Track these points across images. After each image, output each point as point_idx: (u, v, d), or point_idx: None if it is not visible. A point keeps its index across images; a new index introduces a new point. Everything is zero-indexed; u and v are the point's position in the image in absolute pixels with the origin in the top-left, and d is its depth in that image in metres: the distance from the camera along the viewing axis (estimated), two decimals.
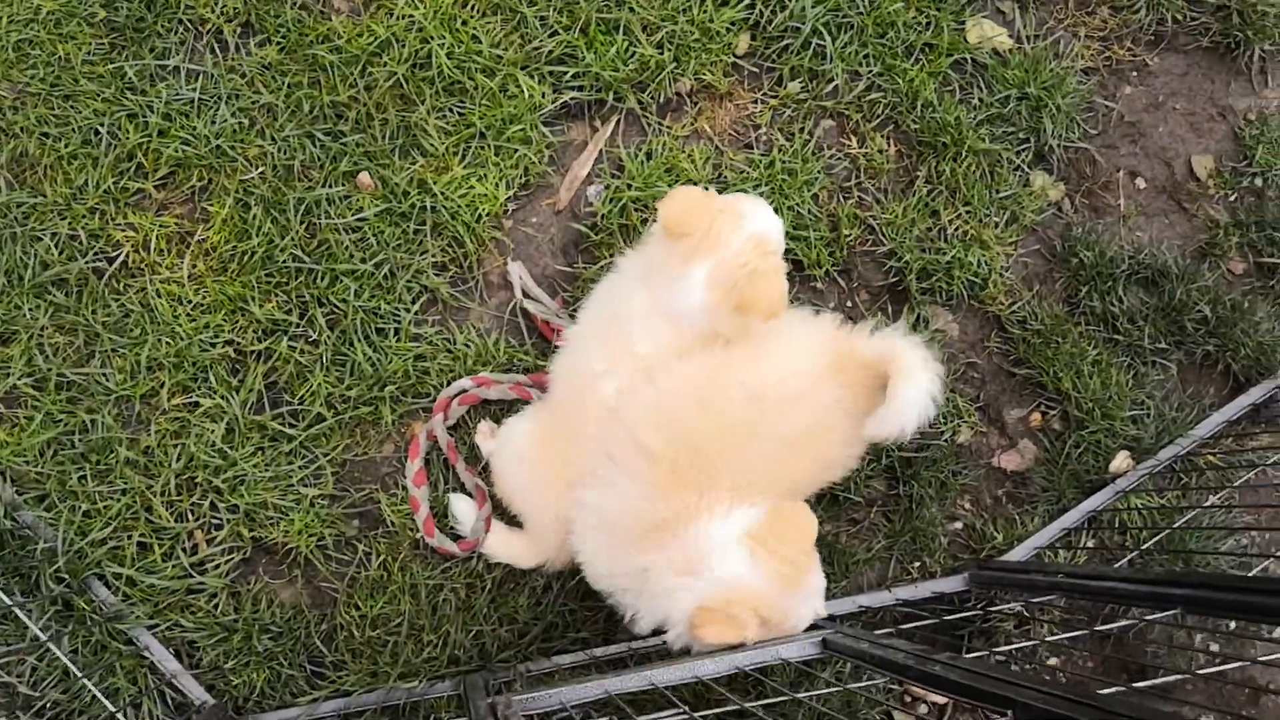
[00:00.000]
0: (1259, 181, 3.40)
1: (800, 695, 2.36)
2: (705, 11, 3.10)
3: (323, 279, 2.89)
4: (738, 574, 2.21)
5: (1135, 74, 3.40)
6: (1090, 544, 3.08)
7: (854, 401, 2.41)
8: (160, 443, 2.82)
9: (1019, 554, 3.04)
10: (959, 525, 3.11)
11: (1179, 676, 2.77)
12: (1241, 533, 3.07)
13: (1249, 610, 2.04)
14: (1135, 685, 2.64)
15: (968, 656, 2.15)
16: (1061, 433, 3.16)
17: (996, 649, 2.91)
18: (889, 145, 3.19)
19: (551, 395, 2.71)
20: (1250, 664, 2.93)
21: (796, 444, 2.37)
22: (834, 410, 2.39)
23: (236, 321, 2.87)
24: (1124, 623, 2.44)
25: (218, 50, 2.97)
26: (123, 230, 2.87)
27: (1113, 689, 2.37)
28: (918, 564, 3.08)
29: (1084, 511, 3.08)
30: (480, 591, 2.87)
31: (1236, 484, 3.00)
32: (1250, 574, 2.99)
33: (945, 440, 3.10)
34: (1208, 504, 2.96)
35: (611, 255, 2.97)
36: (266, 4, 2.98)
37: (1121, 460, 3.13)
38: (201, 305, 2.87)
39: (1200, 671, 2.96)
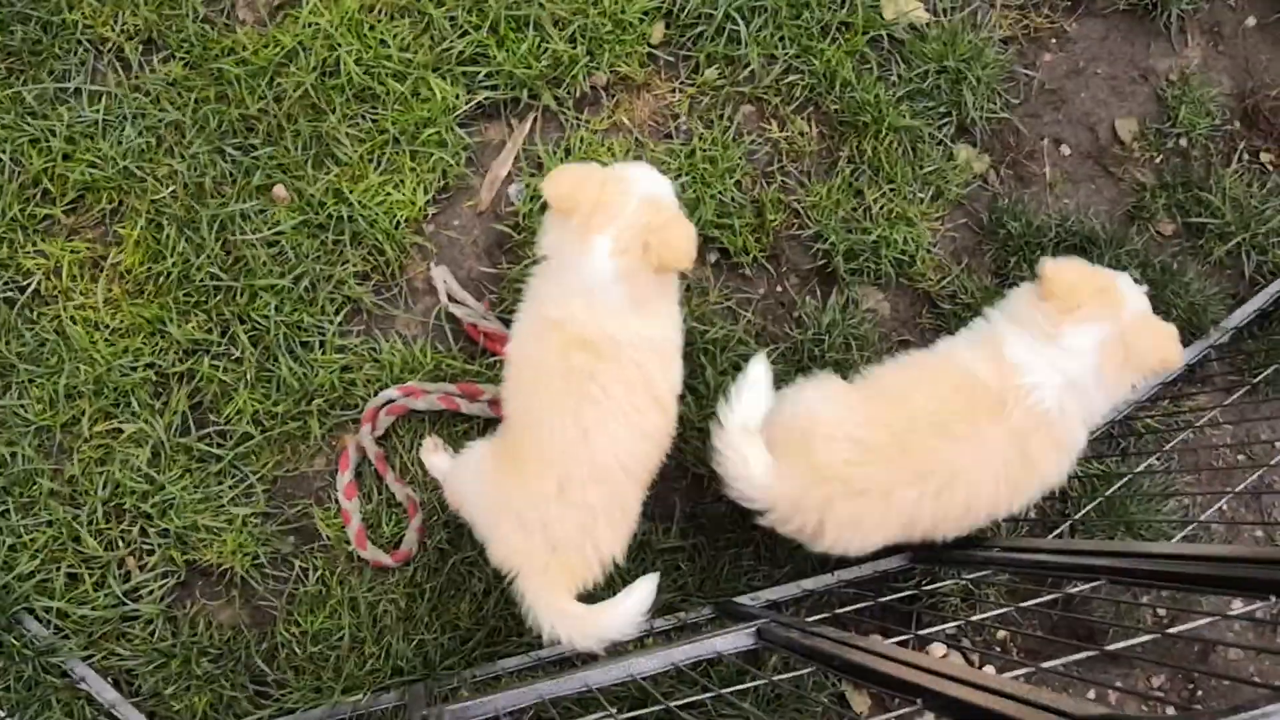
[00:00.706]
0: (1183, 142, 3.44)
1: (732, 690, 2.37)
2: (617, 3, 3.11)
3: (242, 295, 2.88)
4: None
5: (1054, 41, 3.43)
6: (1032, 514, 3.11)
7: None
8: (85, 471, 2.81)
9: None
10: None
11: (1135, 641, 2.80)
12: (1181, 495, 3.11)
13: (1168, 579, 2.07)
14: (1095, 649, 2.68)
15: (888, 642, 2.17)
16: None
17: (946, 624, 2.95)
18: (810, 127, 3.20)
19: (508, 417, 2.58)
20: (1202, 619, 2.97)
21: None
22: None
23: (156, 344, 2.87)
24: (1052, 595, 2.47)
25: (120, 69, 2.95)
26: (33, 258, 2.86)
27: (1062, 660, 2.40)
28: None
29: None
30: (421, 600, 2.88)
31: (1170, 445, 3.04)
32: (1180, 539, 3.02)
33: None
34: (1140, 469, 2.99)
35: (535, 254, 2.97)
36: (168, 19, 2.96)
37: None
38: (119, 329, 2.86)
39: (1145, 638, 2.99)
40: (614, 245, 2.32)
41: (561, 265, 2.41)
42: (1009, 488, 2.42)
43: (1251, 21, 3.57)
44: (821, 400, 2.53)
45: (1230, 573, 1.88)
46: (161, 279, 2.87)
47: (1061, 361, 2.39)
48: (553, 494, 2.34)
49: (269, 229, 2.91)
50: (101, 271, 2.89)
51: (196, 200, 2.91)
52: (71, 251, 2.87)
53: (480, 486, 2.53)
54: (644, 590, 2.35)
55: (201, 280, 2.88)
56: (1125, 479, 2.96)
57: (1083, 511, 2.91)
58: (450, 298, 2.99)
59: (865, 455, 2.39)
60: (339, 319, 2.94)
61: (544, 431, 2.37)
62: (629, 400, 2.37)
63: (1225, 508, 3.28)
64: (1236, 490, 2.80)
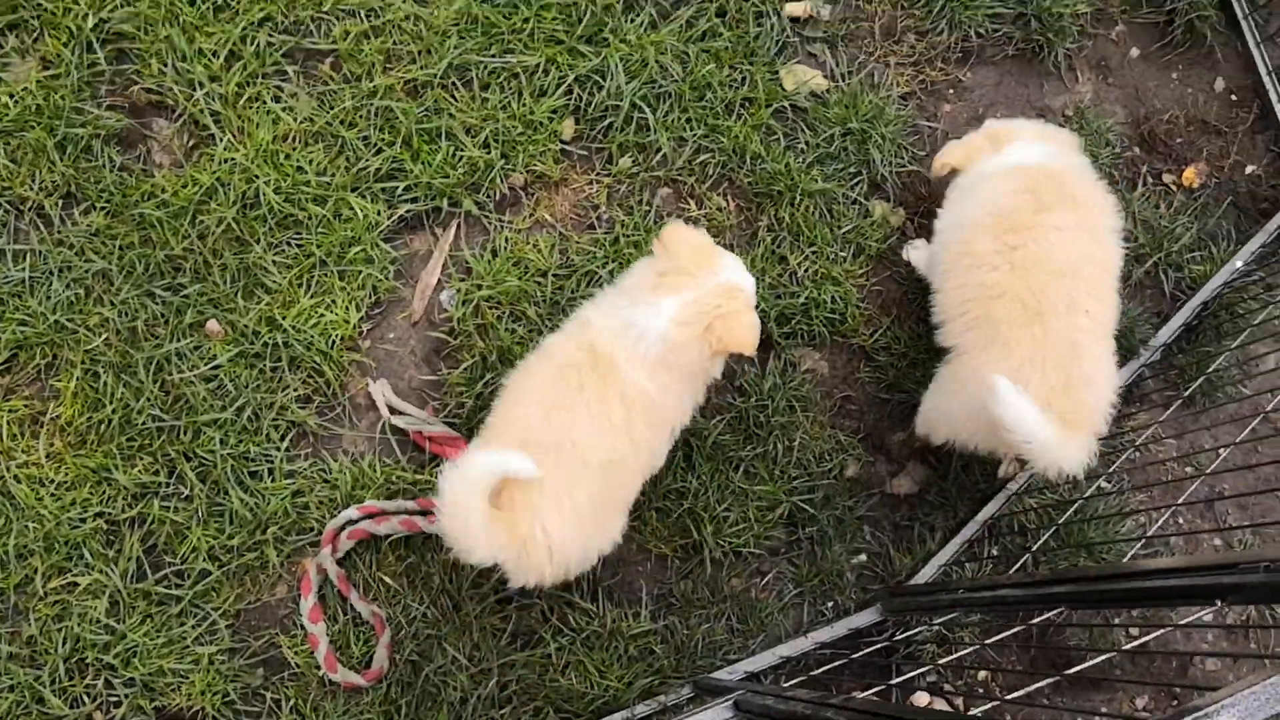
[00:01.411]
0: None
1: None
2: (524, 105, 3.23)
3: (186, 433, 2.92)
4: None
5: (951, 91, 3.60)
6: (994, 552, 3.18)
7: None
8: (43, 630, 2.81)
9: (927, 574, 3.15)
10: (864, 558, 3.20)
11: (1103, 657, 2.86)
12: (1136, 513, 3.19)
13: (1124, 599, 2.15)
14: (1065, 673, 2.73)
15: (861, 696, 2.21)
16: (945, 447, 3.27)
17: (920, 668, 2.99)
18: (727, 202, 3.33)
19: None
20: (1168, 629, 3.03)
21: None
22: None
23: (104, 492, 2.89)
24: (1014, 629, 2.53)
25: (42, 226, 3.02)
26: None
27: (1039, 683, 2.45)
28: (831, 604, 3.17)
29: (981, 522, 3.20)
30: (398, 717, 2.88)
31: (1115, 466, 3.13)
32: (1133, 556, 3.10)
33: (834, 477, 3.20)
34: (1089, 493, 3.08)
35: (473, 356, 3.05)
36: (85, 172, 3.04)
37: (1009, 465, 3.26)
38: (64, 483, 2.88)
39: (1124, 649, 3.05)
40: (679, 313, 2.56)
41: (631, 297, 2.62)
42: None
43: (1135, 53, 3.77)
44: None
45: (1176, 583, 1.95)
46: (103, 427, 2.91)
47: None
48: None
49: (206, 365, 2.97)
50: (41, 427, 2.92)
51: (130, 345, 2.96)
52: (9, 411, 2.91)
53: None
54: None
55: (143, 423, 2.92)
56: (1075, 504, 3.04)
57: (1039, 542, 2.99)
58: (392, 409, 3.05)
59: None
60: (285, 445, 2.98)
61: (519, 405, 2.58)
62: (604, 418, 2.54)
63: (1183, 522, 3.38)
64: (1183, 502, 2.89)
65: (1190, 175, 3.67)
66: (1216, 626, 3.16)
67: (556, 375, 2.57)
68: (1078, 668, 2.07)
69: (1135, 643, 2.38)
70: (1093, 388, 2.66)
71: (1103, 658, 2.53)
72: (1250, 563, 1.84)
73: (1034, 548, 2.98)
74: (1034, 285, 2.66)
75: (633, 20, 3.36)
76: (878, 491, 3.26)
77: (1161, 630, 3.03)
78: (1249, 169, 3.72)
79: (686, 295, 2.59)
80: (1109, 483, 3.25)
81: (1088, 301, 2.69)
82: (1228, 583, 1.84)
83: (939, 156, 3.11)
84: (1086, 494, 3.08)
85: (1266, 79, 3.77)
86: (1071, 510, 3.04)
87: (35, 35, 3.10)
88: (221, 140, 3.11)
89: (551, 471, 2.47)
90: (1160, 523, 3.08)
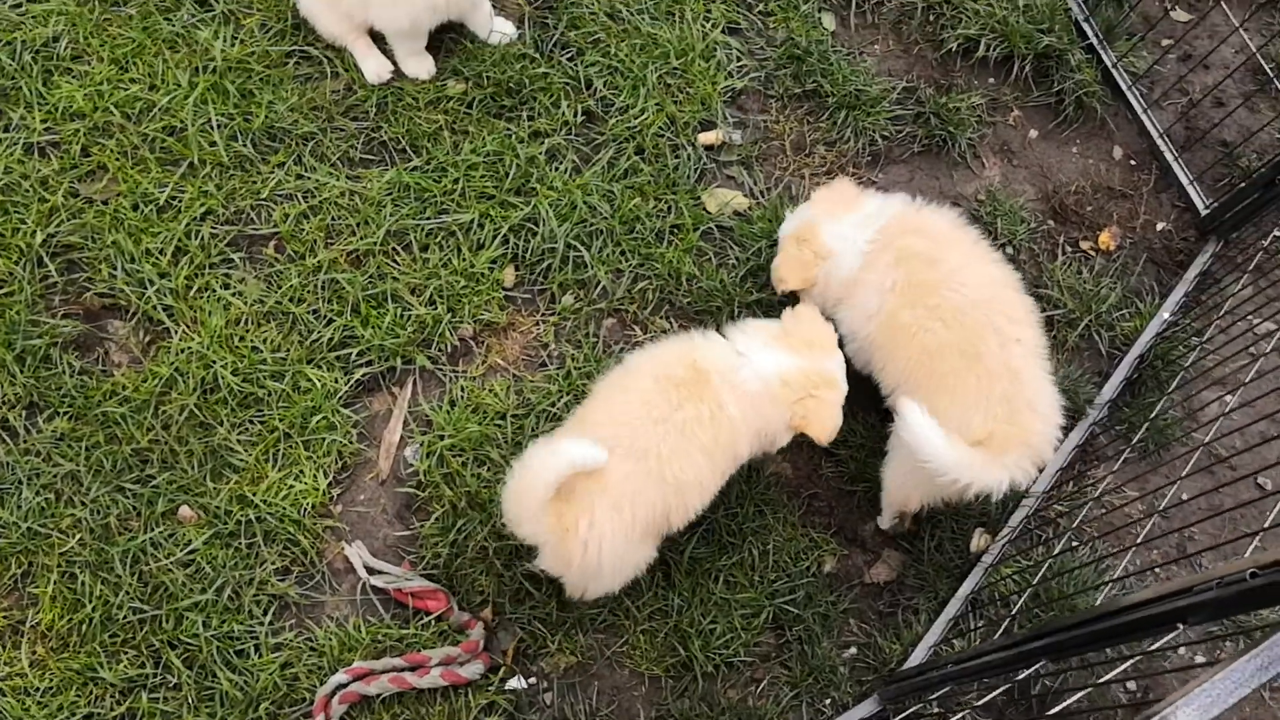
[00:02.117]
0: (1009, 249, 3.81)
1: None
2: (464, 259, 3.41)
3: (168, 621, 2.98)
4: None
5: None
6: (980, 624, 3.25)
7: None
8: None
9: (918, 656, 3.20)
10: (853, 650, 3.26)
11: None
12: (1101, 560, 3.27)
13: (1094, 640, 2.22)
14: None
15: None
16: (916, 530, 3.37)
17: None
18: (670, 324, 3.49)
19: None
20: (1161, 673, 3.09)
21: None
22: None
23: (90, 692, 2.92)
24: (1000, 689, 2.60)
25: (7, 438, 3.12)
26: None
27: None
28: (829, 700, 3.21)
29: (962, 598, 3.27)
30: None
31: (1077, 521, 3.24)
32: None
33: (813, 574, 3.28)
34: (1058, 551, 3.17)
35: (443, 506, 3.14)
36: (45, 380, 3.16)
37: (979, 539, 3.36)
38: (50, 689, 2.91)
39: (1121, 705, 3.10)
40: (788, 372, 2.83)
41: (752, 336, 2.92)
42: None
43: (1034, 134, 4.03)
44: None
45: (1139, 615, 2.04)
46: (84, 626, 2.96)
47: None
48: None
49: (182, 550, 3.04)
50: (22, 637, 2.96)
51: (105, 542, 3.03)
52: None
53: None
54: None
55: (124, 617, 2.97)
56: (1045, 563, 3.13)
57: (1018, 605, 3.06)
58: (370, 570, 3.12)
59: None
60: (269, 619, 3.03)
61: (615, 405, 2.78)
62: (693, 438, 2.74)
63: (1156, 555, 3.46)
64: (1143, 542, 2.98)
65: (1105, 239, 3.89)
66: (1190, 644, 3.23)
67: (656, 387, 2.75)
68: (1051, 711, 2.15)
69: (1102, 680, 2.44)
70: (1036, 411, 2.89)
71: (1069, 702, 2.58)
72: (1203, 584, 1.94)
73: (1014, 612, 3.06)
74: (967, 330, 2.90)
75: (557, 168, 3.58)
76: (857, 582, 3.33)
77: (1153, 675, 3.09)
78: (1159, 226, 3.95)
79: (800, 361, 2.86)
80: (1076, 539, 3.34)
81: (1013, 328, 2.93)
82: (1185, 605, 1.93)
83: (777, 281, 3.31)
84: (1055, 552, 3.17)
85: (1160, 142, 4.03)
86: (1044, 569, 3.12)
87: None
88: (176, 332, 3.25)
89: (624, 476, 2.65)
90: (1123, 565, 3.17)
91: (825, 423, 2.88)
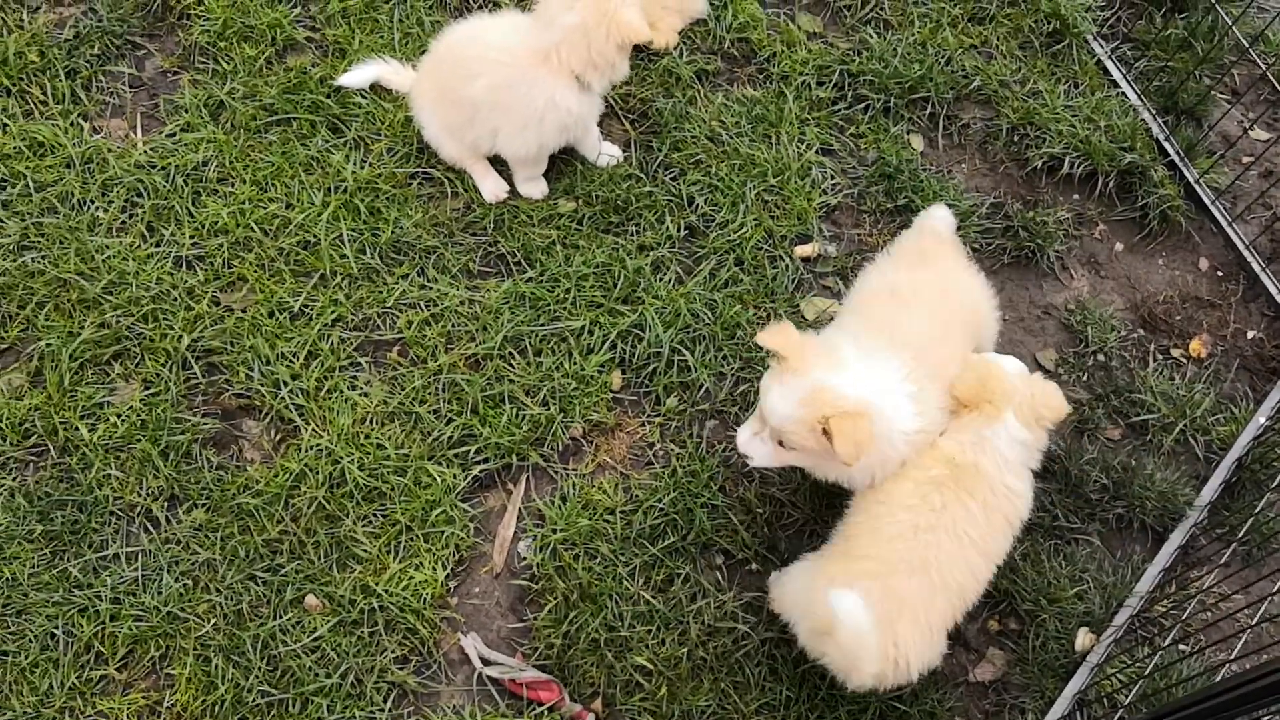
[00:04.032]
0: (1101, 357, 3.93)
1: None
2: (575, 363, 3.62)
3: (295, 705, 3.12)
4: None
5: None
6: None
7: None
8: None
9: None
10: None
11: None
12: (1217, 671, 3.29)
13: (1215, 713, 2.28)
14: None
15: None
16: (1021, 630, 3.43)
17: None
18: None
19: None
20: None
21: None
22: None
23: None
24: None
25: (150, 527, 3.34)
26: None
27: None
28: None
29: (1069, 698, 3.30)
30: None
31: (1183, 618, 3.27)
32: None
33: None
34: (1165, 645, 3.20)
35: (555, 598, 3.28)
36: (186, 474, 3.39)
37: (1084, 638, 3.40)
38: None
39: None
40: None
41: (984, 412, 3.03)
42: None
43: (1119, 246, 4.19)
44: None
45: (1252, 687, 2.11)
46: (217, 708, 3.11)
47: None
48: None
49: (308, 637, 3.20)
50: (159, 717, 3.12)
51: (237, 627, 3.21)
52: (129, 704, 3.12)
53: None
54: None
55: (254, 700, 3.12)
56: (1153, 659, 3.16)
57: (1131, 697, 3.09)
58: (484, 660, 3.25)
59: None
60: (388, 706, 3.17)
61: (884, 524, 2.93)
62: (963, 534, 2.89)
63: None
64: (1255, 650, 3.02)
65: (1197, 346, 4.00)
66: None
67: (917, 493, 2.89)
68: None
69: None
70: None
71: None
72: None
73: (1126, 702, 3.09)
74: None
75: (661, 279, 3.81)
76: (962, 681, 3.38)
77: None
78: (1250, 334, 4.05)
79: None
80: (1183, 641, 3.36)
81: None
82: None
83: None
84: (1164, 646, 3.20)
85: (1247, 253, 4.16)
86: (1153, 664, 3.16)
87: (136, 361, 3.54)
88: (306, 430, 3.49)
89: (915, 590, 2.79)
90: (1229, 668, 3.19)
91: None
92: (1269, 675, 2.08)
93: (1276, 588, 2.99)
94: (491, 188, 3.92)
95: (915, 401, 2.94)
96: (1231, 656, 3.19)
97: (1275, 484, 3.53)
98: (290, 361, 3.57)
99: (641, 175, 4.02)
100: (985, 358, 3.13)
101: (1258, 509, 3.49)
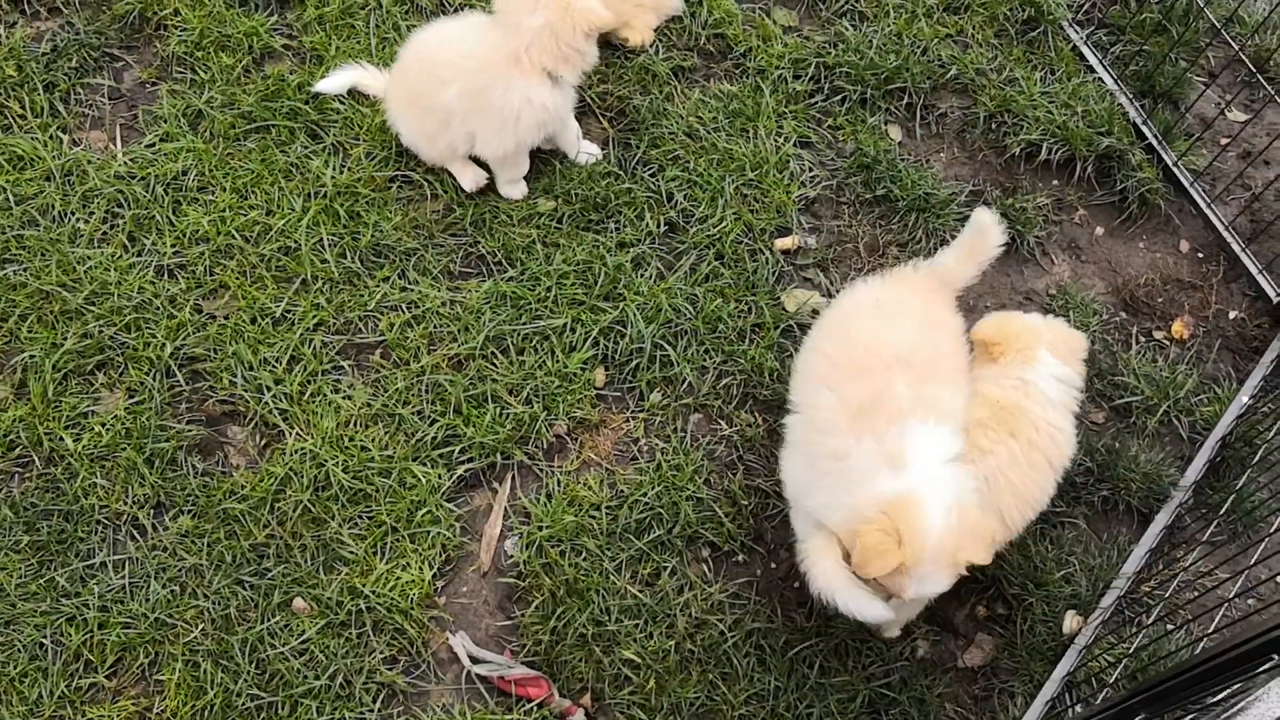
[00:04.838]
0: None
1: None
2: (558, 361, 3.64)
3: (284, 707, 3.14)
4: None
5: None
6: (1078, 709, 3.28)
7: None
8: None
9: None
10: None
11: None
12: (1199, 641, 3.30)
13: (1192, 684, 2.30)
14: None
15: None
16: (1009, 614, 3.45)
17: None
18: (754, 417, 3.66)
19: None
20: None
21: None
22: None
23: None
24: None
25: (137, 535, 3.36)
26: None
27: None
28: None
29: (1058, 680, 3.32)
30: None
31: (1166, 598, 3.29)
32: None
33: (907, 659, 3.36)
34: (1150, 622, 3.22)
35: (542, 594, 3.29)
36: (171, 481, 3.41)
37: (1072, 620, 3.42)
38: None
39: None
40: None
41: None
42: None
43: (1100, 231, 4.22)
44: None
45: (1233, 654, 2.12)
46: (207, 712, 3.13)
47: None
48: None
49: (296, 639, 3.22)
50: None
51: (225, 631, 3.22)
52: (119, 712, 3.13)
53: None
54: None
55: (243, 705, 3.14)
56: (1138, 636, 3.18)
57: (1115, 674, 3.11)
58: (473, 659, 3.27)
59: None
60: (378, 706, 3.18)
61: None
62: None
63: None
64: (1242, 617, 3.04)
65: (1179, 328, 4.02)
66: None
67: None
68: None
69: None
70: None
71: None
72: None
73: (1112, 679, 3.10)
74: None
75: (643, 275, 3.83)
76: (951, 666, 3.40)
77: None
78: (1232, 314, 4.07)
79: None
80: (1170, 620, 3.38)
81: None
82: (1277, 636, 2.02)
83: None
84: (1149, 623, 3.22)
85: (1226, 234, 4.19)
86: (1138, 642, 3.17)
87: (120, 370, 3.56)
88: (290, 434, 3.50)
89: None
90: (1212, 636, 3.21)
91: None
92: (1242, 645, 2.09)
93: (1253, 560, 3.00)
94: (471, 176, 3.94)
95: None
96: (1209, 630, 3.20)
97: (1256, 460, 3.54)
98: (273, 367, 3.59)
99: (620, 172, 4.04)
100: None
101: (1239, 485, 3.50)
